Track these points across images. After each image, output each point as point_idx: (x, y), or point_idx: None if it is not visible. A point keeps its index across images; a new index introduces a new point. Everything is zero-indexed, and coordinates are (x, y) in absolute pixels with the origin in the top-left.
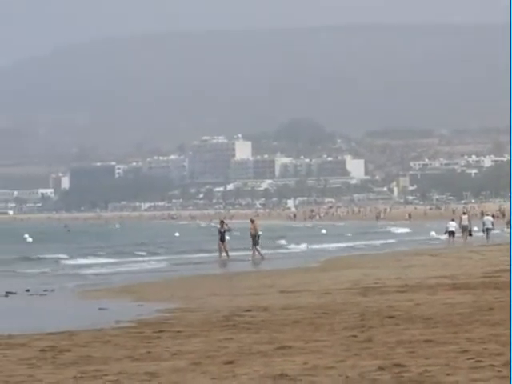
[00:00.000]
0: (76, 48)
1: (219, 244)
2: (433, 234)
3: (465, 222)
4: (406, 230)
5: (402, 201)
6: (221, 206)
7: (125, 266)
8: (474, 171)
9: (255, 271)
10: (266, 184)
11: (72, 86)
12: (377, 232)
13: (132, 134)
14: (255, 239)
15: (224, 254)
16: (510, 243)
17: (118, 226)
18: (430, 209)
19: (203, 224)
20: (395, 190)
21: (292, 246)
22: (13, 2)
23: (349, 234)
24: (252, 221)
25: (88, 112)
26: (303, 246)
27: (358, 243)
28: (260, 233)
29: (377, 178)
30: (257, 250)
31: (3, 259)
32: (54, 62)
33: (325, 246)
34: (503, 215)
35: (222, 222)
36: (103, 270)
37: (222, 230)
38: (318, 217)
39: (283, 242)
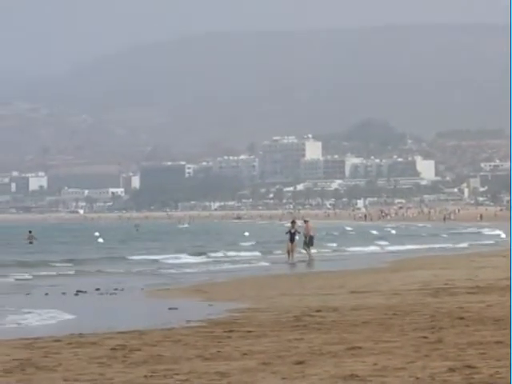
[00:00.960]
0: (152, 46)
1: (288, 245)
2: (503, 236)
3: None
4: (499, 231)
5: (472, 202)
6: (290, 206)
7: (196, 267)
8: None
9: (325, 271)
10: (335, 184)
11: (149, 86)
12: (471, 233)
13: (205, 134)
14: (309, 240)
15: (292, 254)
16: (510, 249)
17: (186, 225)
18: (501, 210)
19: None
20: (466, 191)
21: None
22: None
23: (444, 235)
24: (306, 221)
25: (164, 112)
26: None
27: (456, 245)
28: (312, 234)
29: (447, 178)
30: (308, 250)
31: (88, 259)
32: (130, 60)
33: (422, 246)
34: None
35: (293, 223)
36: (176, 270)
37: (293, 231)
38: (388, 217)
39: (385, 242)
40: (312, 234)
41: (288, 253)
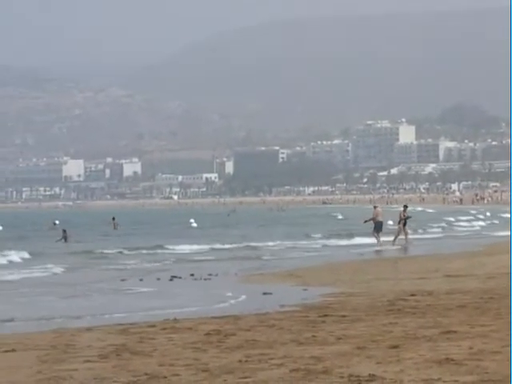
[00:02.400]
0: (243, 32)
1: (400, 228)
2: None
3: None
4: None
5: None
6: (384, 190)
7: (292, 252)
8: None
9: (420, 256)
10: (429, 168)
11: (242, 71)
12: None
13: (298, 119)
14: (378, 226)
15: (403, 237)
16: (510, 244)
17: (282, 210)
18: None
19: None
20: None
21: None
22: None
23: None
24: (375, 207)
25: (259, 97)
26: None
27: None
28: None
29: None
30: (377, 236)
31: (182, 244)
32: (223, 46)
33: None
34: None
35: (405, 207)
36: (272, 256)
37: (405, 215)
38: (486, 201)
39: None
40: (380, 219)
41: (405, 235)
